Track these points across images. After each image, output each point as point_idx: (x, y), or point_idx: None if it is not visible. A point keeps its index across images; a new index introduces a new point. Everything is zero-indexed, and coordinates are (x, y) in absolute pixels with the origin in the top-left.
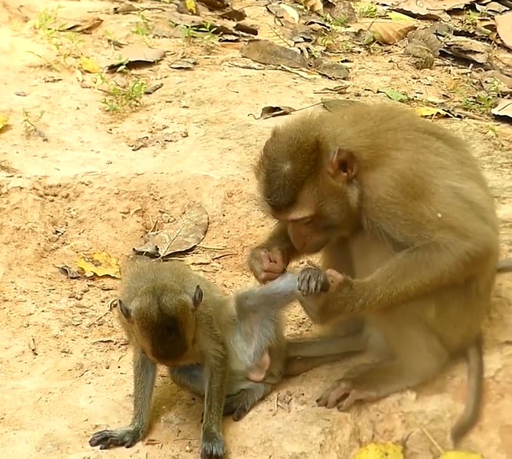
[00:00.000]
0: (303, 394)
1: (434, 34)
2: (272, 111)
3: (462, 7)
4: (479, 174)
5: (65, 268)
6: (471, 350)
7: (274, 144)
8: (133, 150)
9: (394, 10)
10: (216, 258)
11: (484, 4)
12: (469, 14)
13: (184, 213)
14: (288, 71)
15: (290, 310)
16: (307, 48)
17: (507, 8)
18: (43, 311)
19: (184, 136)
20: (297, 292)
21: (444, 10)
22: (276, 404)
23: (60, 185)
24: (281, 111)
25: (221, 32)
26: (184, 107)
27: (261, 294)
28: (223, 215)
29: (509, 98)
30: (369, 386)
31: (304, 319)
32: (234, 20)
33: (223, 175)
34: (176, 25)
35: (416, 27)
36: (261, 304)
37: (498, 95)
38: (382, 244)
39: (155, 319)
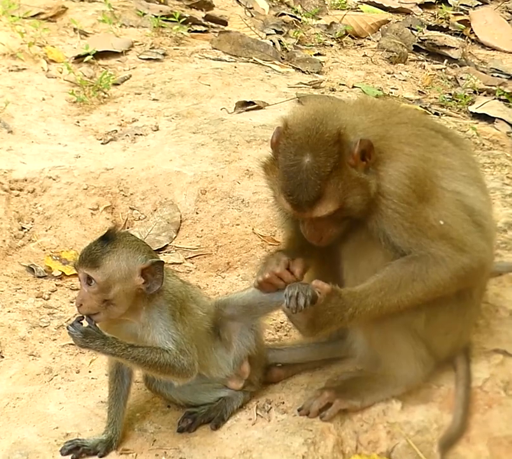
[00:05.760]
0: (283, 402)
1: (408, 28)
2: (245, 105)
3: (433, 1)
4: (481, 177)
5: (31, 266)
6: (459, 359)
7: (288, 136)
8: (102, 143)
9: (365, 3)
10: (189, 258)
11: None
12: (441, 8)
13: (155, 210)
14: (261, 64)
15: None
16: (279, 41)
17: (480, 3)
18: (9, 311)
19: (154, 130)
20: (284, 309)
21: (416, 3)
22: (256, 413)
23: (26, 180)
24: (255, 106)
25: (190, 23)
26: (154, 100)
27: (241, 305)
28: (197, 213)
29: (485, 95)
30: (352, 395)
31: (282, 323)
32: (202, 10)
33: (196, 171)
34: (144, 14)
35: (389, 21)
36: (240, 314)
37: (474, 92)
38: (375, 252)
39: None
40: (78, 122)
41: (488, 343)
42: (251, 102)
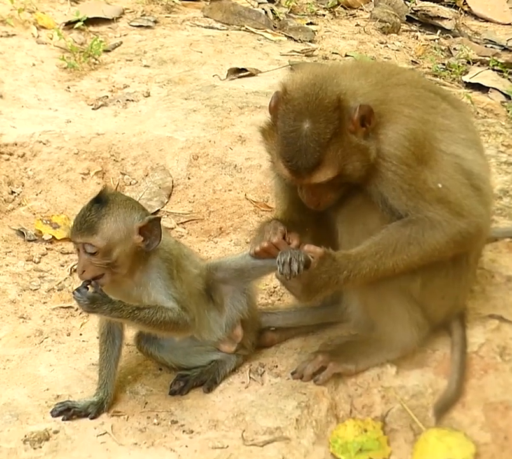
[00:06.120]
0: (276, 366)
1: None
2: (238, 72)
3: None
4: (480, 139)
5: (21, 230)
6: (454, 324)
7: (287, 102)
8: (93, 109)
9: None
10: (181, 223)
11: None
12: None
13: (147, 175)
14: (253, 32)
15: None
16: (271, 10)
17: None
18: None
19: (146, 96)
20: (278, 276)
21: None
22: (249, 376)
23: (16, 144)
24: (248, 73)
25: None
26: (145, 66)
27: (233, 268)
28: (189, 179)
29: (479, 66)
30: (347, 359)
31: (275, 288)
32: None
33: (188, 137)
34: None
35: None
36: (232, 277)
37: (468, 62)
38: (370, 215)
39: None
40: (69, 87)
41: (483, 309)
42: (244, 69)
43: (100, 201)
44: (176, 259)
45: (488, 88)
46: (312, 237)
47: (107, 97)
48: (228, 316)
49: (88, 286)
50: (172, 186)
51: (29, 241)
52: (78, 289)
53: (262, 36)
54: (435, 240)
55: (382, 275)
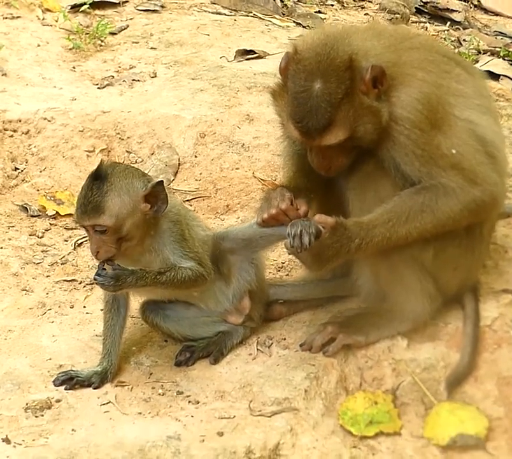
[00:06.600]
0: (284, 338)
1: None
2: (245, 54)
3: None
4: (494, 106)
5: (25, 205)
6: (467, 297)
7: (298, 61)
8: (98, 88)
9: None
10: (188, 200)
11: None
12: None
13: (153, 154)
14: (261, 18)
15: (268, 253)
16: None
17: None
18: (2, 248)
19: (152, 77)
20: (288, 248)
21: None
22: (256, 348)
23: (20, 120)
24: (256, 55)
25: None
26: (152, 48)
27: (241, 238)
28: (195, 157)
29: (489, 55)
30: (357, 330)
31: (283, 263)
32: None
33: (195, 115)
34: None
35: None
36: (240, 247)
37: (478, 52)
38: (382, 182)
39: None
40: (74, 67)
41: (496, 284)
42: (252, 51)
43: (99, 177)
44: (184, 219)
45: (499, 75)
46: (318, 204)
47: (113, 77)
48: (236, 287)
49: (104, 267)
50: (179, 164)
51: (33, 216)
52: (97, 274)
53: (270, 21)
54: (448, 207)
55: (394, 244)
